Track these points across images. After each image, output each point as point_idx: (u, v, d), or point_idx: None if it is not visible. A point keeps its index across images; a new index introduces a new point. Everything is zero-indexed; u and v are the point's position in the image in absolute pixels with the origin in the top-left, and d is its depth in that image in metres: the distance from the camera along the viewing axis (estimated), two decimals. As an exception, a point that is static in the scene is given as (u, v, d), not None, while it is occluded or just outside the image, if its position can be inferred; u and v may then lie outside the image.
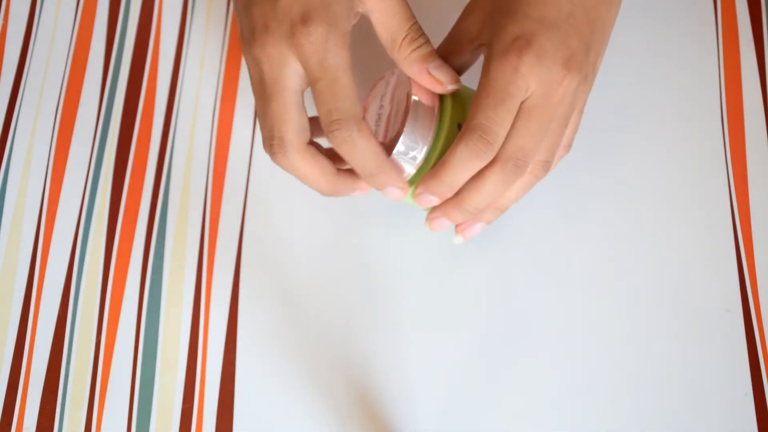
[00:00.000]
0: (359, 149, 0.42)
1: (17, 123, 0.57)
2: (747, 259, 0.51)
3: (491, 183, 0.44)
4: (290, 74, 0.42)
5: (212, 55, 0.58)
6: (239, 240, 0.53)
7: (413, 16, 0.44)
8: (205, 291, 0.52)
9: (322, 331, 0.51)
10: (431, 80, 0.44)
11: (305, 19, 0.41)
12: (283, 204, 0.54)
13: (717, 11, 0.56)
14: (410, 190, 0.46)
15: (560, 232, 0.52)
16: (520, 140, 0.43)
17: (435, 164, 0.44)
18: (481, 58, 0.46)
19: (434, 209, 0.46)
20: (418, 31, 0.44)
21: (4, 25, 0.60)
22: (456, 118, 0.45)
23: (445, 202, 0.45)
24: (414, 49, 0.44)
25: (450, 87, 0.45)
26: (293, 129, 0.42)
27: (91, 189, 0.55)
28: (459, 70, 0.47)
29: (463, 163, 0.43)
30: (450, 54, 0.47)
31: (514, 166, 0.43)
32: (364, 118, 0.45)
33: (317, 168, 0.43)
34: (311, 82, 0.42)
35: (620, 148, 0.53)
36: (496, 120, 0.42)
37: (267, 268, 0.53)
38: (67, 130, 0.57)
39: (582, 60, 0.43)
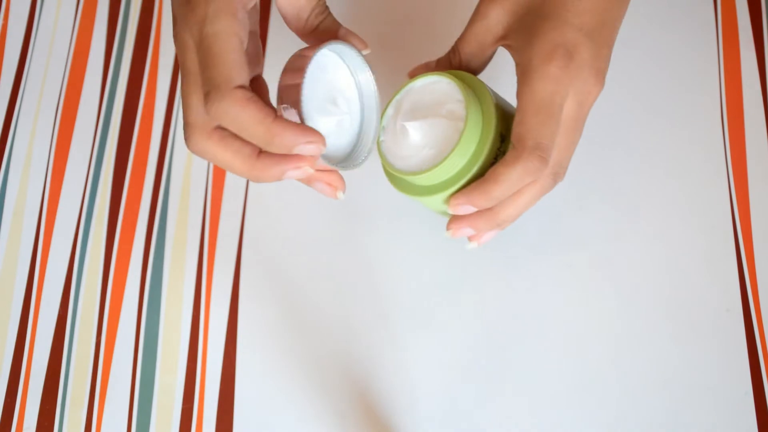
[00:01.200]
0: (238, 119, 0.38)
1: (17, 123, 0.57)
2: (747, 259, 0.51)
3: (528, 196, 0.43)
4: (193, 57, 0.40)
5: (212, 55, 0.58)
6: (239, 240, 0.53)
7: None
8: (205, 291, 0.52)
9: (322, 331, 0.51)
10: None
11: None
12: (283, 204, 0.54)
13: (717, 11, 0.56)
14: (442, 196, 0.44)
15: (560, 232, 0.52)
16: (559, 155, 0.43)
17: (475, 176, 0.43)
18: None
19: (461, 219, 0.44)
20: (323, 6, 0.43)
21: (4, 25, 0.60)
22: (499, 128, 0.44)
23: (476, 213, 0.44)
24: (322, 20, 0.43)
25: (364, 52, 0.44)
26: (222, 74, 0.39)
27: (91, 189, 0.55)
28: (478, 69, 0.46)
29: (518, 181, 0.42)
30: (473, 55, 0.45)
31: (551, 180, 0.43)
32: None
33: (257, 113, 0.39)
34: (193, 58, 0.40)
35: (620, 147, 0.53)
36: (550, 136, 0.41)
37: (267, 268, 0.53)
38: (67, 130, 0.57)
39: (606, 68, 0.43)
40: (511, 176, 0.42)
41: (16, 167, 0.56)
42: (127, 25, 0.59)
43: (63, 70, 0.58)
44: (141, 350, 0.51)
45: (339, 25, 0.44)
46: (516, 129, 0.42)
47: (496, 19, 0.44)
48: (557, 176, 0.43)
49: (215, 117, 0.38)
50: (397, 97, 0.45)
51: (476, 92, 0.45)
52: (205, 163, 0.55)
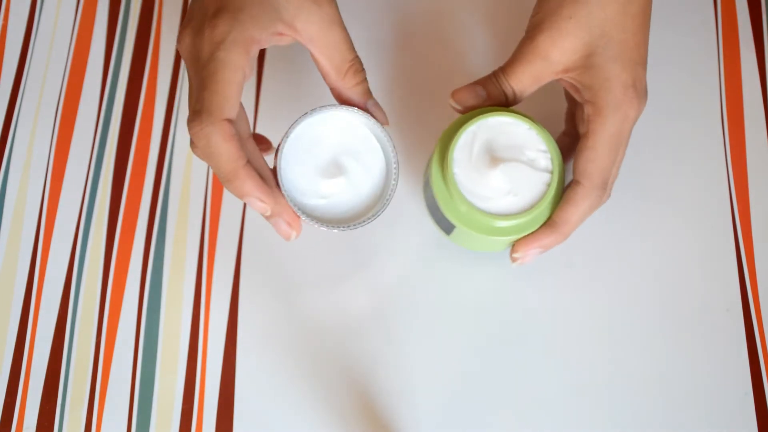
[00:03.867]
0: (213, 147, 0.40)
1: (17, 123, 0.57)
2: (747, 259, 0.51)
3: (588, 214, 0.46)
4: (197, 67, 0.41)
5: (212, 55, 0.58)
6: (239, 240, 0.53)
7: (354, 47, 0.44)
8: (205, 291, 0.52)
9: (322, 331, 0.51)
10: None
11: (216, 13, 0.40)
12: (283, 204, 0.54)
13: (717, 11, 0.56)
14: (510, 238, 0.45)
15: (560, 232, 0.52)
16: (615, 176, 0.45)
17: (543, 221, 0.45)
18: None
19: (527, 243, 0.46)
20: (360, 64, 0.44)
21: (4, 25, 0.60)
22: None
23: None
24: (358, 82, 0.44)
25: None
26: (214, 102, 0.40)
27: (91, 189, 0.55)
28: (523, 99, 0.46)
29: (585, 216, 0.45)
30: (524, 90, 0.45)
31: (608, 198, 0.46)
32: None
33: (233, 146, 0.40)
34: (196, 72, 0.41)
35: (620, 148, 0.53)
36: (615, 170, 0.44)
37: (267, 268, 0.53)
38: (67, 130, 0.57)
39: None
40: (581, 215, 0.45)
41: (16, 167, 0.56)
42: (127, 25, 0.59)
43: (63, 70, 0.58)
44: (141, 350, 0.51)
45: (369, 96, 0.45)
46: (586, 166, 0.44)
47: (559, 59, 0.44)
48: (610, 191, 0.46)
49: (195, 136, 0.40)
50: (470, 128, 0.45)
51: (545, 135, 0.45)
52: (206, 163, 0.55)
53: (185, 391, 0.50)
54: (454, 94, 0.46)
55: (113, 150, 0.56)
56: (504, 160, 0.44)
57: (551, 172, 0.44)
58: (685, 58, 0.55)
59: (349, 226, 0.44)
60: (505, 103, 0.46)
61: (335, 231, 0.44)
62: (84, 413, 0.50)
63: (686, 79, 0.55)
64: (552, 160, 0.44)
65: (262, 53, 0.57)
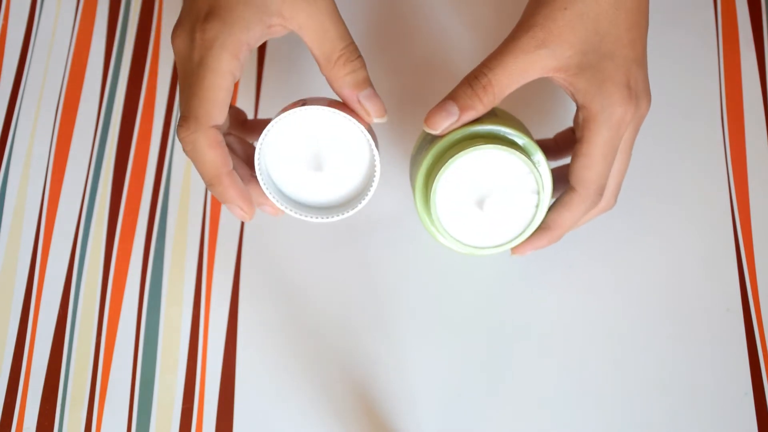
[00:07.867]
0: (199, 153, 0.41)
1: (17, 123, 0.57)
2: (747, 259, 0.51)
3: (588, 218, 0.46)
4: (188, 67, 0.41)
5: (212, 55, 0.58)
6: (239, 240, 0.53)
7: (348, 35, 0.42)
8: (205, 291, 0.52)
9: (323, 332, 0.51)
10: (360, 108, 0.42)
11: (206, 17, 0.40)
12: (283, 204, 0.54)
13: (717, 11, 0.56)
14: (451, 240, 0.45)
15: (560, 232, 0.52)
16: (618, 179, 0.45)
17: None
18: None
19: (524, 246, 0.46)
20: (354, 53, 0.42)
21: (4, 25, 0.60)
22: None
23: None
24: (348, 72, 0.42)
25: (376, 120, 0.43)
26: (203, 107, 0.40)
27: (91, 189, 0.55)
28: (500, 96, 0.43)
29: (579, 219, 0.45)
30: (510, 86, 0.42)
31: (613, 203, 0.46)
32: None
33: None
34: (186, 76, 0.41)
35: (620, 148, 0.53)
36: (608, 173, 0.43)
37: (267, 267, 0.53)
38: (67, 130, 0.57)
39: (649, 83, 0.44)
40: (574, 218, 0.44)
41: (16, 167, 0.56)
42: (127, 25, 0.59)
43: (63, 70, 0.58)
44: (141, 350, 0.51)
45: (363, 86, 0.42)
46: (581, 172, 0.43)
47: (552, 53, 0.41)
48: (616, 198, 0.46)
49: (183, 141, 0.41)
50: (446, 172, 0.42)
51: (528, 147, 0.44)
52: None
53: (185, 391, 0.50)
54: (426, 119, 0.43)
55: (113, 150, 0.56)
56: (488, 197, 0.43)
57: (537, 193, 0.43)
58: (685, 58, 0.55)
59: (329, 216, 0.44)
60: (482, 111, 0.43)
61: (315, 220, 0.44)
62: (84, 413, 0.50)
63: (686, 79, 0.55)
64: (536, 181, 0.43)
65: (262, 51, 0.57)
